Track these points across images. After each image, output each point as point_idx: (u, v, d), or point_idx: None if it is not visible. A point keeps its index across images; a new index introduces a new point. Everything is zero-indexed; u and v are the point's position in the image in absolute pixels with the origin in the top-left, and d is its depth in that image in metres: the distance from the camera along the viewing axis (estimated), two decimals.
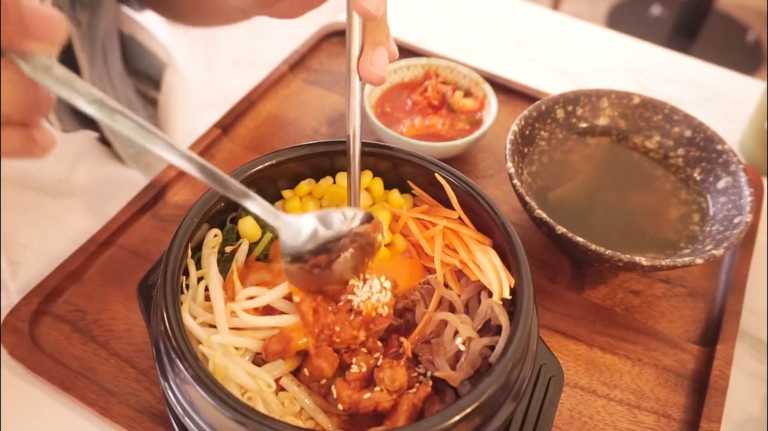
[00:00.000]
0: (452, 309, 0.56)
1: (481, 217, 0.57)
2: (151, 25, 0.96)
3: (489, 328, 0.54)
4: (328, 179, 0.62)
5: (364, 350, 0.52)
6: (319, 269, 0.51)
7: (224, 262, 0.57)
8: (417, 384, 0.51)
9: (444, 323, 0.54)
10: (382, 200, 0.63)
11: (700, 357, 0.67)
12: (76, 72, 0.74)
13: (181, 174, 0.79)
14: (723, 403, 0.62)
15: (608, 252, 0.61)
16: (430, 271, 0.59)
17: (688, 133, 0.76)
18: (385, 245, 0.60)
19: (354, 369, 0.51)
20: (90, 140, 0.81)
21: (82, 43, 0.74)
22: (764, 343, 0.71)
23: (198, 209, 0.54)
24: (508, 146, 0.71)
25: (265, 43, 1.08)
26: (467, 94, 0.86)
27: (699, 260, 0.62)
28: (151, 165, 0.89)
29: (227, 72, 1.07)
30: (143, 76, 0.94)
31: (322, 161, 0.61)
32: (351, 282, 0.52)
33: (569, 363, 0.66)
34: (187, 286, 0.54)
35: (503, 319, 0.52)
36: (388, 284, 0.53)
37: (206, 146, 0.83)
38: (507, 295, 0.53)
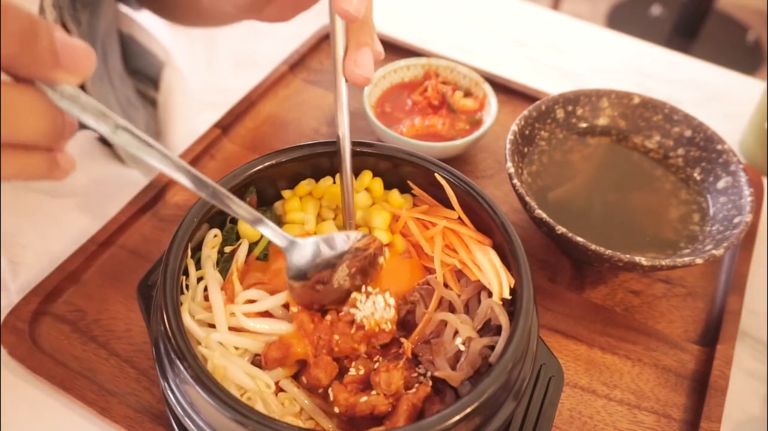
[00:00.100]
0: (452, 309, 0.56)
1: (481, 217, 0.57)
2: (149, 24, 0.96)
3: (489, 328, 0.54)
4: (328, 179, 0.62)
5: (363, 355, 0.52)
6: (322, 287, 0.53)
7: (224, 262, 0.57)
8: (417, 385, 0.51)
9: (444, 323, 0.54)
10: (382, 200, 0.63)
11: (700, 357, 0.67)
12: None
13: None
14: (723, 403, 0.62)
15: (608, 252, 0.61)
16: (430, 271, 0.59)
17: (688, 133, 0.76)
18: (385, 246, 0.60)
19: (351, 371, 0.51)
20: (90, 140, 0.81)
21: None
22: (764, 343, 0.71)
23: (198, 209, 0.54)
24: (508, 146, 0.71)
25: (265, 43, 1.07)
26: (467, 94, 0.86)
27: (699, 260, 0.62)
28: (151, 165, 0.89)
29: (227, 72, 1.06)
30: (142, 76, 0.94)
31: (322, 161, 0.61)
32: (353, 295, 0.53)
33: (569, 363, 0.66)
34: (187, 286, 0.54)
35: (503, 319, 0.52)
36: (392, 301, 0.53)
37: (206, 146, 0.83)
38: (507, 295, 0.53)
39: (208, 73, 1.06)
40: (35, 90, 0.36)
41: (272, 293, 0.54)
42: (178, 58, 0.98)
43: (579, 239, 0.62)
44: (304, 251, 0.52)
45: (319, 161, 0.61)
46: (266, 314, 0.54)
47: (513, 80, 0.93)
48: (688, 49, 2.68)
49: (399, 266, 0.59)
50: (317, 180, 0.63)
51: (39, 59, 0.34)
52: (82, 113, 0.38)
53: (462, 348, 0.52)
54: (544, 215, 0.64)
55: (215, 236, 0.57)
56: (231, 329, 0.52)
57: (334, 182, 0.62)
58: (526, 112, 0.75)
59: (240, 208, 0.48)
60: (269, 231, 0.51)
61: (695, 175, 0.75)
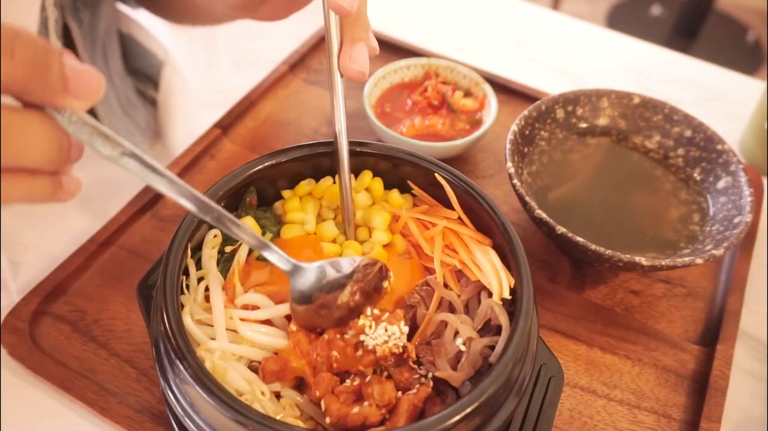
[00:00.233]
0: (452, 310, 0.56)
1: (481, 217, 0.57)
2: (149, 24, 0.96)
3: (489, 328, 0.54)
4: (328, 179, 0.62)
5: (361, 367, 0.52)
6: (326, 311, 0.52)
7: (224, 262, 0.57)
8: (418, 385, 0.51)
9: (444, 323, 0.54)
10: (382, 200, 0.63)
11: (700, 357, 0.67)
12: None
13: (181, 174, 0.79)
14: (723, 403, 0.62)
15: (608, 252, 0.61)
16: (430, 271, 0.59)
17: (688, 133, 0.76)
18: (385, 246, 0.60)
19: (346, 382, 0.51)
20: None
21: (84, 42, 0.74)
22: (764, 343, 0.71)
23: None
24: (508, 146, 0.71)
25: (265, 43, 1.07)
26: (467, 94, 0.86)
27: (699, 260, 0.62)
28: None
29: (227, 72, 1.06)
30: (142, 76, 0.94)
31: (322, 161, 0.61)
32: (361, 322, 0.51)
33: (569, 363, 0.66)
34: (188, 286, 0.54)
35: (503, 319, 0.52)
36: (406, 329, 0.52)
37: (206, 146, 0.83)
38: (507, 295, 0.53)
39: (208, 73, 1.06)
40: (42, 115, 0.36)
41: (273, 295, 0.54)
42: (178, 58, 0.98)
43: (579, 239, 0.62)
44: (309, 275, 0.52)
45: (319, 161, 0.61)
46: (267, 320, 0.54)
47: (513, 80, 0.93)
48: (688, 49, 2.68)
49: (399, 266, 0.59)
50: (317, 180, 0.63)
51: (49, 86, 0.35)
52: (90, 138, 0.38)
53: (462, 348, 0.52)
54: (544, 215, 0.64)
55: (215, 236, 0.57)
56: (230, 331, 0.51)
57: (334, 182, 0.62)
58: (526, 112, 0.75)
59: (245, 233, 0.49)
60: (274, 257, 0.51)
61: (695, 175, 0.75)
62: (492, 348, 0.52)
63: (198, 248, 0.57)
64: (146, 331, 0.58)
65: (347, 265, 0.53)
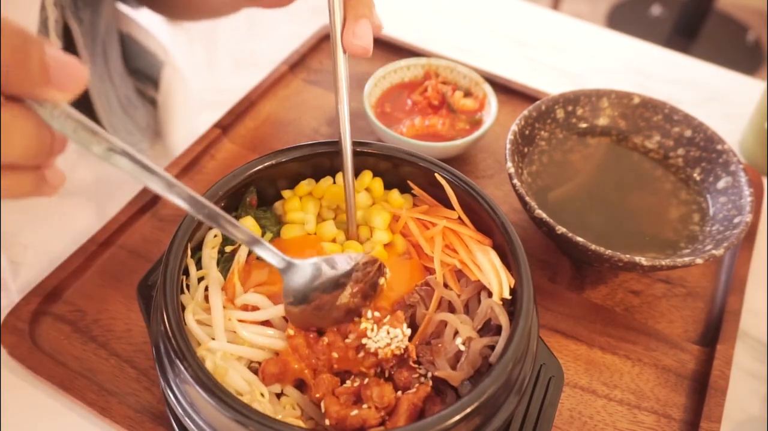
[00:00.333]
0: (452, 310, 0.56)
1: (481, 217, 0.57)
2: (148, 23, 0.96)
3: (489, 328, 0.54)
4: (328, 179, 0.62)
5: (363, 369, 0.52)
6: (322, 310, 0.51)
7: (224, 262, 0.57)
8: (417, 385, 0.51)
9: (444, 323, 0.54)
10: (382, 200, 0.63)
11: (700, 357, 0.67)
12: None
13: (181, 174, 0.79)
14: (723, 403, 0.62)
15: (608, 252, 0.61)
16: (430, 271, 0.59)
17: (688, 133, 0.76)
18: (385, 246, 0.60)
19: (346, 383, 0.51)
20: None
21: (84, 41, 0.74)
22: (764, 343, 0.71)
23: None
24: (508, 146, 0.71)
25: (265, 43, 1.07)
26: (467, 94, 0.86)
27: (699, 260, 0.62)
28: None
29: (227, 72, 1.06)
30: (142, 76, 0.94)
31: (322, 161, 0.61)
32: (363, 325, 0.51)
33: (569, 363, 0.66)
34: (188, 286, 0.54)
35: (503, 319, 0.52)
36: (408, 331, 0.52)
37: (206, 146, 0.83)
38: (507, 295, 0.53)
39: (208, 73, 1.06)
40: (23, 108, 0.34)
41: (273, 295, 0.54)
42: (178, 58, 0.98)
43: (579, 239, 0.62)
44: (303, 273, 0.51)
45: (319, 161, 0.61)
46: (267, 321, 0.54)
47: (513, 80, 0.93)
48: (688, 49, 2.68)
49: (399, 266, 0.59)
50: (317, 180, 0.63)
51: (29, 76, 0.33)
52: (75, 133, 0.36)
53: (462, 348, 0.52)
54: (544, 215, 0.64)
55: (215, 236, 0.57)
56: (229, 332, 0.51)
57: (334, 182, 0.62)
58: (526, 112, 0.75)
59: (237, 229, 0.47)
60: (267, 253, 0.50)
61: (695, 175, 0.75)
62: (492, 347, 0.52)
63: (198, 248, 0.57)
64: (146, 331, 0.58)
65: (343, 262, 0.53)
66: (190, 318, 0.50)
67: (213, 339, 0.51)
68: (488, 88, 0.84)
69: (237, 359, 0.51)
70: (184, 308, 0.51)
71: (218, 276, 0.55)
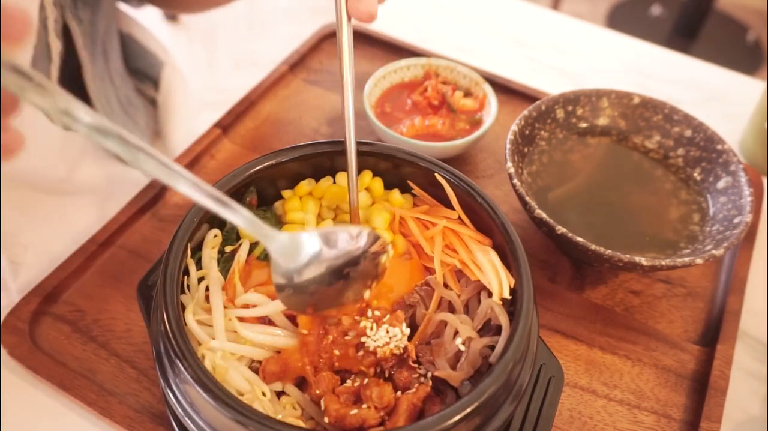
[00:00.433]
0: (452, 309, 0.56)
1: (481, 217, 0.57)
2: (149, 23, 0.96)
3: (489, 328, 0.54)
4: (328, 179, 0.62)
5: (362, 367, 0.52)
6: (320, 293, 0.48)
7: (224, 262, 0.57)
8: (417, 385, 0.51)
9: (444, 323, 0.54)
10: (382, 200, 0.63)
11: (700, 357, 0.67)
12: (77, 70, 0.75)
13: None
14: (723, 403, 0.62)
15: (608, 252, 0.61)
16: (430, 271, 0.59)
17: (688, 133, 0.76)
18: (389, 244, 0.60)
19: (347, 383, 0.51)
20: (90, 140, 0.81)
21: (84, 41, 0.74)
22: (764, 343, 0.71)
23: (198, 209, 0.54)
24: (508, 146, 0.71)
25: (265, 43, 1.07)
26: (467, 94, 0.86)
27: (699, 260, 0.62)
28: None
29: (227, 72, 1.07)
30: (142, 76, 0.94)
31: (322, 161, 0.61)
32: (363, 324, 0.51)
33: (569, 363, 0.66)
34: (188, 286, 0.54)
35: (503, 319, 0.52)
36: (408, 331, 0.52)
37: (206, 146, 0.83)
38: (507, 295, 0.53)
39: (208, 73, 1.06)
40: None
41: (274, 295, 0.54)
42: (178, 58, 0.98)
43: (579, 239, 0.62)
44: (295, 248, 0.46)
45: (319, 161, 0.61)
46: (268, 320, 0.54)
47: (513, 80, 0.93)
48: (688, 49, 2.68)
49: (399, 266, 0.59)
50: (317, 180, 0.63)
51: None
52: (21, 90, 0.32)
53: (462, 348, 0.52)
54: (544, 215, 0.64)
55: (215, 236, 0.57)
56: (230, 332, 0.51)
57: (334, 182, 0.62)
58: (526, 112, 0.75)
59: (195, 189, 0.41)
60: (239, 219, 0.42)
61: (695, 175, 0.75)
62: (492, 347, 0.52)
63: (198, 248, 0.57)
64: (146, 331, 0.58)
65: (344, 240, 0.48)
66: (190, 318, 0.50)
67: (213, 338, 0.51)
68: (488, 88, 0.84)
69: (238, 358, 0.51)
70: (184, 308, 0.51)
71: (219, 276, 0.55)
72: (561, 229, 0.63)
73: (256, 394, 0.49)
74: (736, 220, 0.67)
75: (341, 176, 0.62)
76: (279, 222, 0.62)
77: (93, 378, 0.61)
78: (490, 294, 0.54)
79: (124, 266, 0.70)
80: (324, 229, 0.49)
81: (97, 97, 0.78)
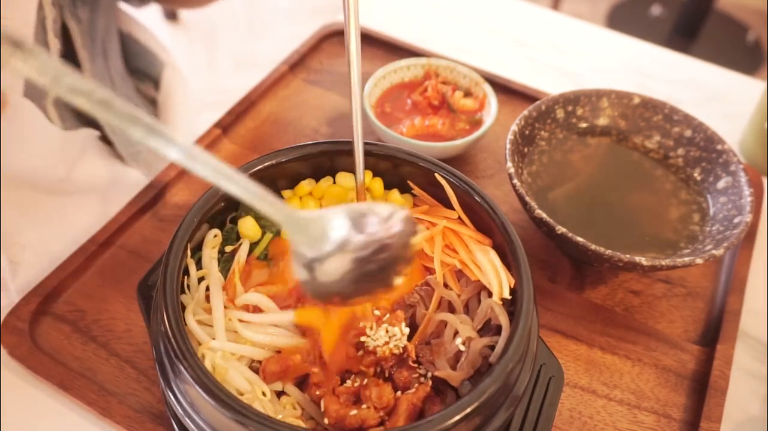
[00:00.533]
0: (452, 310, 0.56)
1: (481, 217, 0.57)
2: (149, 23, 0.96)
3: (489, 328, 0.54)
4: (328, 179, 0.62)
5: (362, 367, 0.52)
6: (346, 282, 0.44)
7: (224, 262, 0.57)
8: (417, 385, 0.51)
9: (444, 323, 0.54)
10: (382, 200, 0.63)
11: (700, 357, 0.67)
12: (76, 70, 0.74)
13: (181, 174, 0.79)
14: (723, 403, 0.62)
15: (608, 252, 0.61)
16: (430, 271, 0.59)
17: (688, 133, 0.76)
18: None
19: (347, 383, 0.51)
20: (91, 139, 0.81)
21: (83, 40, 0.74)
22: (764, 343, 0.71)
23: (198, 209, 0.54)
24: (508, 146, 0.71)
25: (265, 43, 1.08)
26: (467, 94, 0.86)
27: (699, 260, 0.62)
28: (152, 164, 0.89)
29: (227, 72, 1.07)
30: (142, 76, 0.95)
31: (322, 161, 0.61)
32: (362, 324, 0.51)
33: (569, 363, 0.66)
34: (188, 286, 0.54)
35: (503, 319, 0.52)
36: (407, 330, 0.52)
37: (206, 146, 0.83)
38: (507, 295, 0.53)
39: (208, 73, 1.07)
40: None
41: (274, 295, 0.54)
42: (178, 58, 0.98)
43: (579, 239, 0.62)
44: (320, 233, 0.42)
45: (319, 161, 0.61)
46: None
47: (513, 80, 0.93)
48: (688, 49, 2.68)
49: None
50: (317, 180, 0.63)
51: None
52: (9, 57, 0.30)
53: (462, 348, 0.52)
54: (544, 215, 0.64)
55: (215, 236, 0.57)
56: (230, 331, 0.51)
57: (334, 182, 0.62)
58: (526, 112, 0.75)
59: (238, 177, 0.38)
60: (239, 190, 0.38)
61: (695, 175, 0.75)
62: (492, 347, 0.52)
63: (198, 248, 0.57)
64: (146, 331, 0.58)
65: (373, 223, 0.43)
66: (190, 318, 0.50)
67: (213, 338, 0.51)
68: (488, 88, 0.84)
69: (238, 358, 0.51)
70: (184, 308, 0.51)
71: (219, 276, 0.55)
72: (561, 229, 0.63)
73: (256, 394, 0.49)
74: (736, 220, 0.67)
75: (341, 176, 0.62)
76: None
77: (93, 378, 0.61)
78: (490, 294, 0.54)
79: (124, 266, 0.70)
80: (351, 208, 0.44)
81: None
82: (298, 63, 0.95)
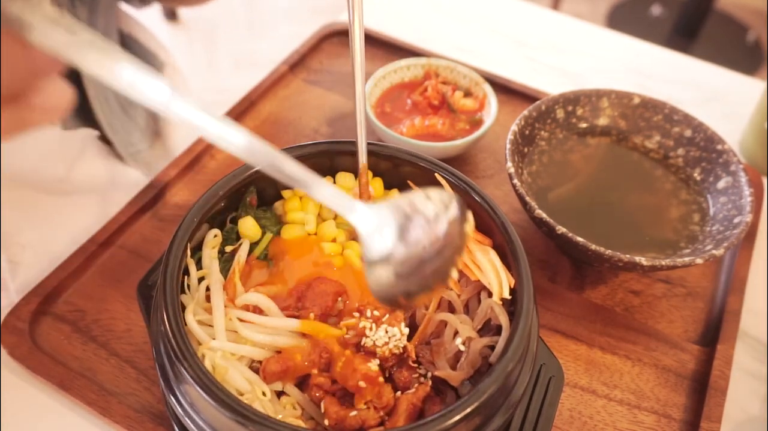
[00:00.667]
0: (452, 310, 0.56)
1: (481, 217, 0.57)
2: (149, 23, 0.96)
3: (489, 328, 0.54)
4: (329, 179, 0.62)
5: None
6: (412, 274, 0.43)
7: (224, 262, 0.57)
8: (417, 385, 0.51)
9: (444, 323, 0.54)
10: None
11: (700, 357, 0.67)
12: (75, 69, 0.74)
13: (182, 174, 0.79)
14: (723, 403, 0.62)
15: (608, 252, 0.61)
16: None
17: (688, 133, 0.76)
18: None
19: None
20: (91, 139, 0.81)
21: None
22: (764, 343, 0.71)
23: (198, 209, 0.54)
24: (508, 146, 0.71)
25: (265, 43, 1.08)
26: (467, 94, 0.86)
27: (699, 260, 0.62)
28: (152, 164, 0.89)
29: (227, 72, 1.07)
30: None
31: (322, 160, 0.61)
32: (362, 324, 0.51)
33: (569, 363, 0.66)
34: (188, 286, 0.54)
35: (503, 319, 0.52)
36: (407, 330, 0.52)
37: (206, 146, 0.83)
38: (507, 295, 0.53)
39: (208, 73, 1.07)
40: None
41: (274, 295, 0.54)
42: (178, 58, 0.98)
43: (579, 239, 0.62)
44: (383, 225, 0.40)
45: (319, 160, 0.61)
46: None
47: (513, 80, 0.93)
48: (688, 49, 2.68)
49: None
50: None
51: None
52: (66, 46, 0.28)
53: (462, 348, 0.52)
54: (544, 215, 0.64)
55: (215, 236, 0.57)
56: (230, 331, 0.51)
57: (335, 182, 0.62)
58: (526, 112, 0.75)
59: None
60: (329, 193, 0.37)
61: (695, 175, 0.75)
62: (492, 347, 0.52)
63: (198, 248, 0.57)
64: (146, 331, 0.58)
65: (428, 208, 0.42)
66: (190, 318, 0.50)
67: (213, 338, 0.51)
68: (488, 88, 0.84)
69: (238, 358, 0.51)
70: (184, 308, 0.51)
71: (219, 276, 0.55)
72: (561, 229, 0.63)
73: (256, 394, 0.49)
74: (736, 220, 0.67)
75: (341, 176, 0.62)
76: (279, 222, 0.62)
77: (93, 378, 0.61)
78: (490, 294, 0.54)
79: (124, 266, 0.70)
80: (406, 198, 0.42)
81: (96, 96, 0.78)
82: (298, 63, 0.95)
